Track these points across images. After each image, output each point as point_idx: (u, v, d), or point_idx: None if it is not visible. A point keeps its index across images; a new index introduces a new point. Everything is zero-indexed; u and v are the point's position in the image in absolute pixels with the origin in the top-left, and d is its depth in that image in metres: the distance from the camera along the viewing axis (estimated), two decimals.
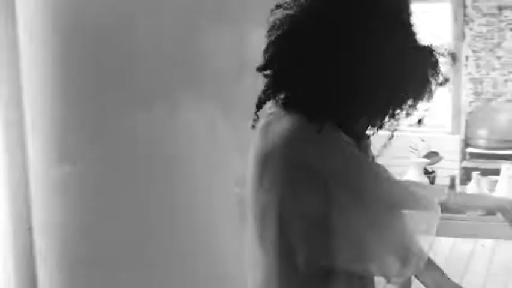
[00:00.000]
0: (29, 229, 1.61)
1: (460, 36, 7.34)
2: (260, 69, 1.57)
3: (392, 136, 1.58)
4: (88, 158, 1.78)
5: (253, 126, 1.60)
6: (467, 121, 7.39)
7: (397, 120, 1.55)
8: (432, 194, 1.64)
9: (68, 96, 1.70)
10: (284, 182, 1.49)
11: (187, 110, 2.09)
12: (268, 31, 1.56)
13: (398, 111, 1.54)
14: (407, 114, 1.53)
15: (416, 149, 4.87)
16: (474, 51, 7.38)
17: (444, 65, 1.55)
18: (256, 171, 1.58)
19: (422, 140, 5.29)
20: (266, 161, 1.55)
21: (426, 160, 4.51)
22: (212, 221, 2.25)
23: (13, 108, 1.24)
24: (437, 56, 1.53)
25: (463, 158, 7.21)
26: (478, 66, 7.41)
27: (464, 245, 6.07)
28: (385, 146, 1.62)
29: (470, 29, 7.33)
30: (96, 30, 1.76)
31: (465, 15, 7.33)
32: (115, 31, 1.84)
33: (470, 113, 7.42)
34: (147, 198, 1.95)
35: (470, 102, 7.47)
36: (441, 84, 1.54)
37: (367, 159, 1.59)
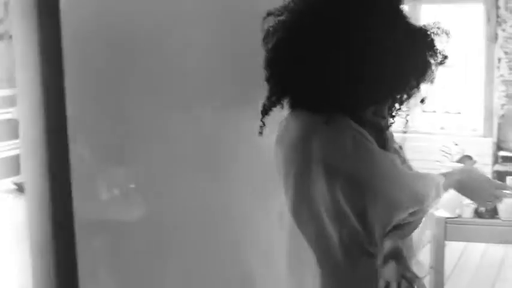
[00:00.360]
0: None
1: (493, 38, 7.25)
2: (268, 80, 1.60)
3: (407, 121, 1.60)
4: (139, 158, 1.79)
5: (261, 133, 1.63)
6: (499, 124, 7.29)
7: (404, 105, 1.57)
8: (435, 177, 1.68)
9: (121, 97, 1.71)
10: (304, 179, 1.51)
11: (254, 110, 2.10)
12: (263, 39, 1.59)
13: (403, 96, 1.55)
14: (410, 96, 1.55)
15: (450, 153, 4.80)
16: (506, 53, 7.28)
17: (440, 43, 1.58)
18: (282, 174, 1.60)
19: (456, 144, 5.20)
20: (286, 162, 1.58)
21: (460, 165, 4.44)
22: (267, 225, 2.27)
23: (55, 114, 1.25)
24: (432, 35, 1.54)
25: (495, 162, 7.11)
26: (510, 68, 7.31)
27: (495, 251, 5.98)
28: (404, 132, 1.64)
29: (503, 30, 7.24)
30: (152, 32, 1.77)
31: (498, 16, 7.23)
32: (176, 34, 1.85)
33: (503, 115, 7.32)
34: (199, 196, 1.97)
35: (503, 105, 7.36)
36: (441, 62, 1.55)
37: (376, 147, 1.60)
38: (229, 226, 2.20)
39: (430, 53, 1.55)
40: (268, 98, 1.63)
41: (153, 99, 1.82)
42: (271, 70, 1.61)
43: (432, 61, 1.56)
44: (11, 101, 6.94)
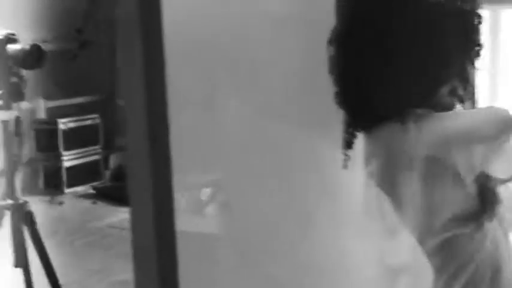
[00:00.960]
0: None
1: None
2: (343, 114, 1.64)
3: (476, 101, 1.61)
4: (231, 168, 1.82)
5: (345, 166, 1.65)
6: None
7: (468, 82, 1.59)
8: None
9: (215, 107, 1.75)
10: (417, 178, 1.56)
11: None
12: (328, 72, 1.63)
13: (464, 72, 1.58)
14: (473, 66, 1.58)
15: None
16: None
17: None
18: (389, 187, 1.63)
19: None
20: (388, 177, 1.62)
21: None
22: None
23: (159, 123, 1.29)
24: (460, 4, 1.57)
25: None
26: None
27: None
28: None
29: None
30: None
31: None
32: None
33: None
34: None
35: None
36: (479, 22, 1.57)
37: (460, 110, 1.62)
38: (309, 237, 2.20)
39: (467, 19, 1.58)
40: (346, 130, 1.67)
41: (245, 107, 1.84)
42: (340, 103, 1.65)
43: (472, 26, 1.59)
44: (91, 108, 7.07)
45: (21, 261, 2.33)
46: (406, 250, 1.76)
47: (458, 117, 1.61)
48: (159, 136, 1.19)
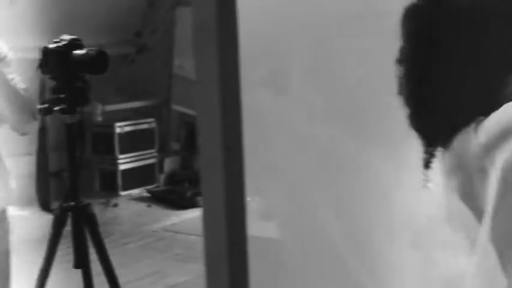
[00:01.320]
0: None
1: None
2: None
3: None
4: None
5: (425, 186, 1.64)
6: None
7: None
8: None
9: None
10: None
11: None
12: (398, 93, 1.62)
13: None
14: None
15: None
16: None
17: None
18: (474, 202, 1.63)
19: None
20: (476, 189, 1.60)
21: None
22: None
23: (233, 132, 1.32)
24: None
25: None
26: None
27: None
28: None
29: None
30: None
31: None
32: None
33: None
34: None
35: None
36: None
37: None
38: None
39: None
40: (426, 150, 1.66)
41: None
42: (413, 124, 1.64)
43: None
44: (146, 112, 7.12)
45: (82, 262, 2.37)
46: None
47: (506, 108, 1.58)
48: (233, 142, 1.21)
